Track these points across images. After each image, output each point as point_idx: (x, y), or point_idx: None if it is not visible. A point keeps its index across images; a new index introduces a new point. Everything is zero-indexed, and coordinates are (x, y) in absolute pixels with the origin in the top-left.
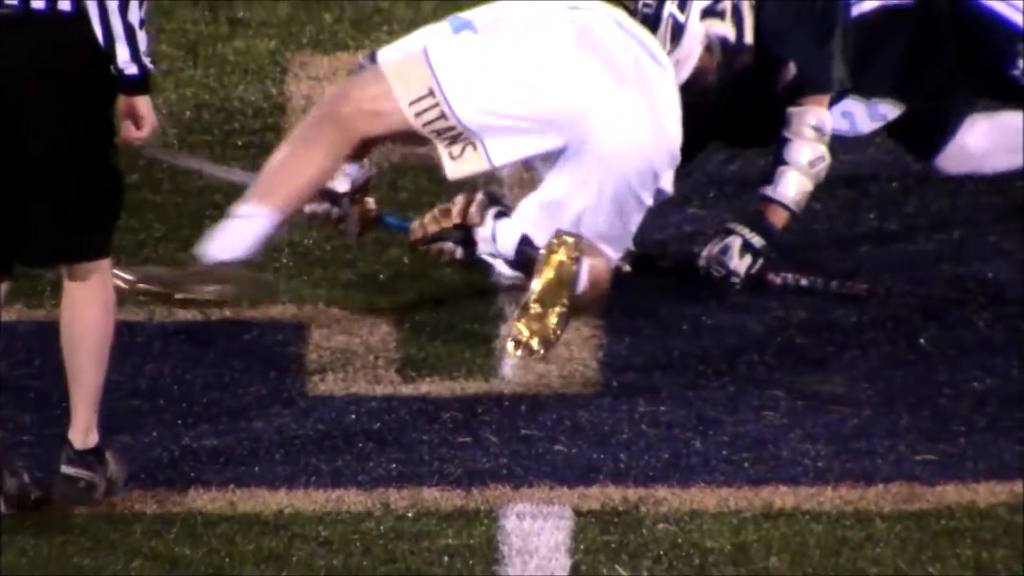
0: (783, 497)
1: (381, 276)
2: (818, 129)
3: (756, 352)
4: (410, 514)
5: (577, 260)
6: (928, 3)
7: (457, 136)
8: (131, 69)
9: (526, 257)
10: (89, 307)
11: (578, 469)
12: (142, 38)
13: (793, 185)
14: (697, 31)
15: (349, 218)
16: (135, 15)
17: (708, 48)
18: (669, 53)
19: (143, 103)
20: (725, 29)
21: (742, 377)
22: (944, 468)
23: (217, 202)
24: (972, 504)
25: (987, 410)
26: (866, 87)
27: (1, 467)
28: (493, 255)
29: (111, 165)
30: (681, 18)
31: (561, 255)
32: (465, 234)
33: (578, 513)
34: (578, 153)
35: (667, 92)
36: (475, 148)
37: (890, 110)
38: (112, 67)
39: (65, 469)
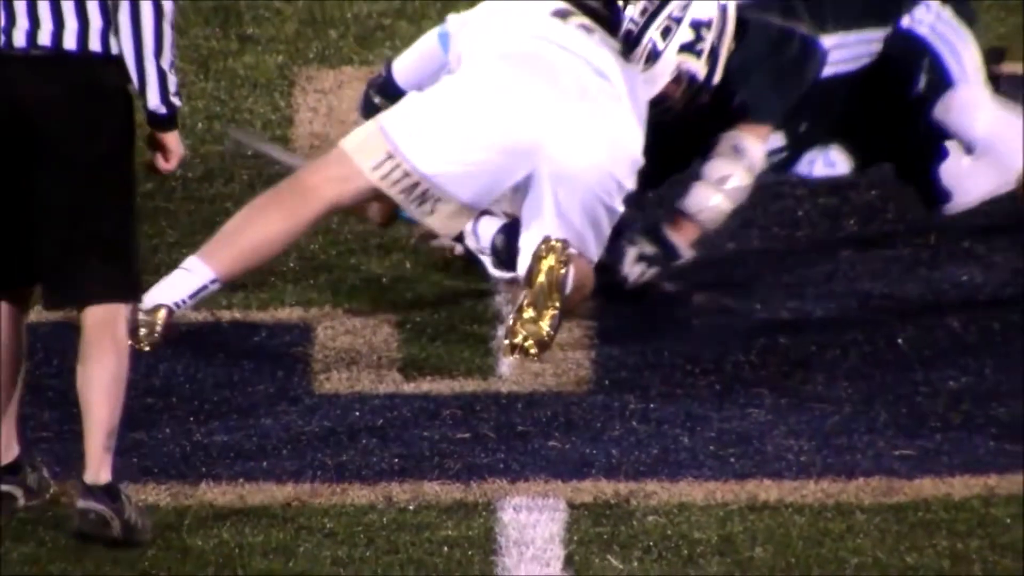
0: (767, 490)
1: (384, 280)
2: (737, 150)
3: (741, 352)
4: (411, 507)
5: (565, 263)
6: (898, 63)
7: (424, 193)
8: (161, 109)
9: (498, 250)
10: (102, 351)
11: (572, 464)
12: (172, 80)
13: (698, 198)
14: (671, 61)
15: (371, 208)
16: (167, 59)
17: (677, 79)
18: (642, 71)
19: (172, 137)
20: (698, 67)
21: (728, 376)
22: (921, 463)
23: (228, 210)
24: (947, 497)
25: (961, 407)
26: (828, 136)
27: (23, 463)
28: (480, 251)
29: (127, 211)
30: (660, 46)
31: (550, 260)
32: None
33: (572, 506)
34: (541, 178)
35: (616, 104)
36: (444, 200)
37: (841, 160)
38: (143, 106)
39: (80, 504)
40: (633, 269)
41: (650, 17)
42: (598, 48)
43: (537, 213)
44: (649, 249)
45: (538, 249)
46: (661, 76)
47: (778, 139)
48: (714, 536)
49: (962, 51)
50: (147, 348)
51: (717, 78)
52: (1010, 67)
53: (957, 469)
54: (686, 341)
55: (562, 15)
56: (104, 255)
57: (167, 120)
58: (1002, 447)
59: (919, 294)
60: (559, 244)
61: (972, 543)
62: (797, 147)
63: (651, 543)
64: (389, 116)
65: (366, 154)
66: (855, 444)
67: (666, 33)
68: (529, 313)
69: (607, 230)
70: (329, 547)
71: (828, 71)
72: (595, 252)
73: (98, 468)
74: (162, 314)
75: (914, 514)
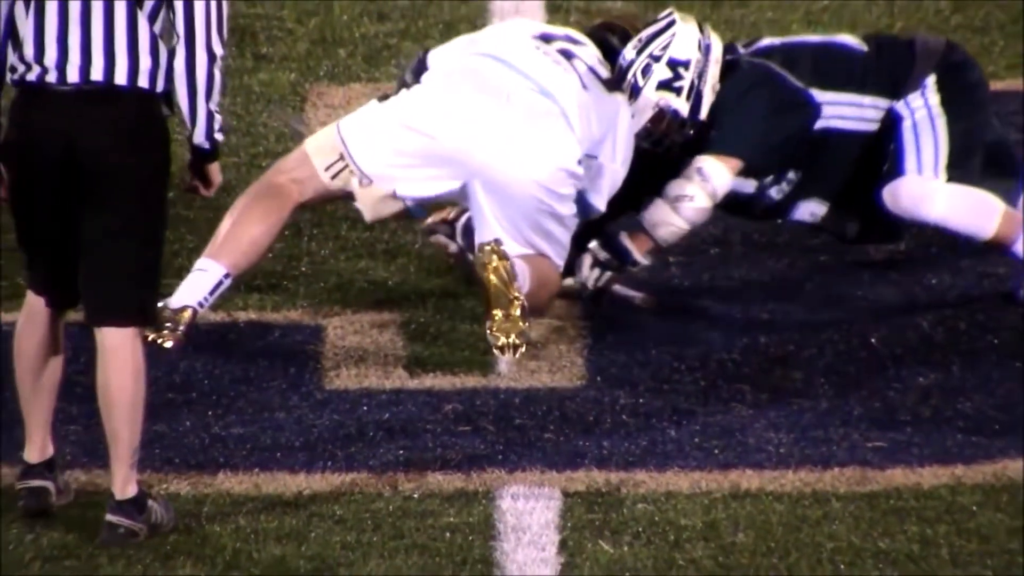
0: (749, 479)
1: (390, 283)
2: (701, 173)
3: (725, 351)
4: (416, 495)
5: (505, 257)
6: (886, 128)
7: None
8: (205, 144)
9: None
10: (119, 373)
11: (566, 455)
12: (218, 120)
13: (655, 215)
14: (650, 98)
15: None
16: (215, 101)
17: (659, 114)
18: (630, 105)
19: (213, 168)
20: (678, 104)
21: (712, 372)
22: (892, 453)
23: None
24: (917, 486)
25: (931, 402)
26: (822, 192)
27: (55, 462)
28: (466, 248)
29: (159, 240)
30: (640, 83)
31: (492, 262)
32: (452, 229)
33: (566, 494)
34: (475, 186)
35: (551, 119)
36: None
37: (820, 209)
38: (188, 139)
39: (108, 517)
40: (589, 274)
41: (636, 55)
42: (554, 69)
43: (482, 221)
44: (603, 255)
45: (477, 259)
46: (642, 111)
47: (752, 183)
48: (699, 522)
49: (925, 145)
50: (171, 346)
51: (703, 115)
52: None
53: (926, 459)
54: (673, 340)
55: (545, 39)
56: (136, 281)
57: (210, 153)
58: (968, 439)
59: (891, 297)
60: (490, 245)
61: (940, 529)
62: (793, 195)
63: (640, 529)
64: (346, 120)
65: (322, 155)
66: (831, 436)
67: (646, 71)
68: (498, 315)
69: (563, 236)
70: (339, 533)
71: (824, 124)
72: (556, 255)
73: (124, 484)
74: (187, 314)
75: (886, 502)
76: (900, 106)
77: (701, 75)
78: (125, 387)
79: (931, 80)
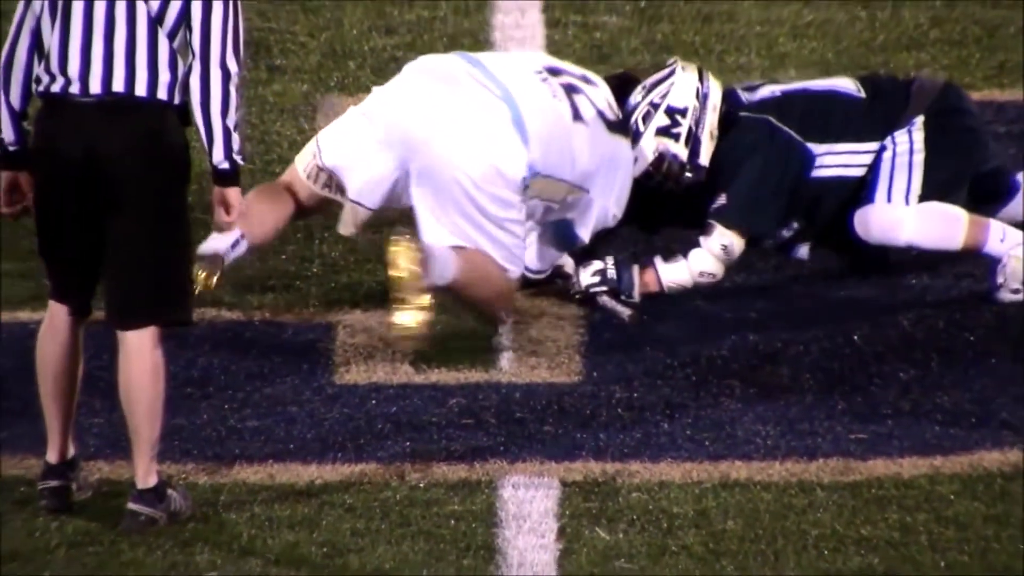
0: (738, 470)
1: None
2: (727, 250)
3: (715, 348)
4: (422, 484)
5: (411, 252)
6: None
7: (339, 187)
8: (224, 164)
9: None
10: (138, 373)
11: (564, 446)
12: (236, 139)
13: (674, 274)
14: (650, 143)
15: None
16: (232, 119)
17: (660, 157)
18: (633, 148)
19: (233, 193)
20: (677, 149)
21: (703, 369)
22: (874, 445)
23: None
24: (898, 476)
25: (910, 396)
26: (815, 234)
27: (76, 461)
28: None
29: (182, 244)
30: (641, 129)
31: (398, 251)
32: None
33: (564, 484)
34: (413, 175)
35: (499, 122)
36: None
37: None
38: (208, 160)
39: (130, 505)
40: (588, 279)
41: (639, 101)
42: (538, 89)
43: (420, 216)
44: (611, 272)
45: (386, 260)
46: (644, 155)
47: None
48: (690, 511)
49: (899, 178)
50: (212, 287)
51: (703, 160)
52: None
53: (906, 451)
54: (665, 339)
55: (553, 72)
56: (155, 285)
57: (231, 175)
58: (947, 431)
59: (873, 297)
60: (397, 242)
61: (919, 517)
62: (793, 239)
63: (634, 517)
64: (327, 127)
65: (302, 159)
66: (816, 429)
67: (646, 117)
68: (403, 305)
69: (510, 240)
70: (349, 520)
71: (820, 174)
72: (501, 258)
73: (145, 475)
74: (217, 260)
75: (868, 491)
76: (886, 140)
77: (698, 122)
78: (145, 386)
79: (919, 120)
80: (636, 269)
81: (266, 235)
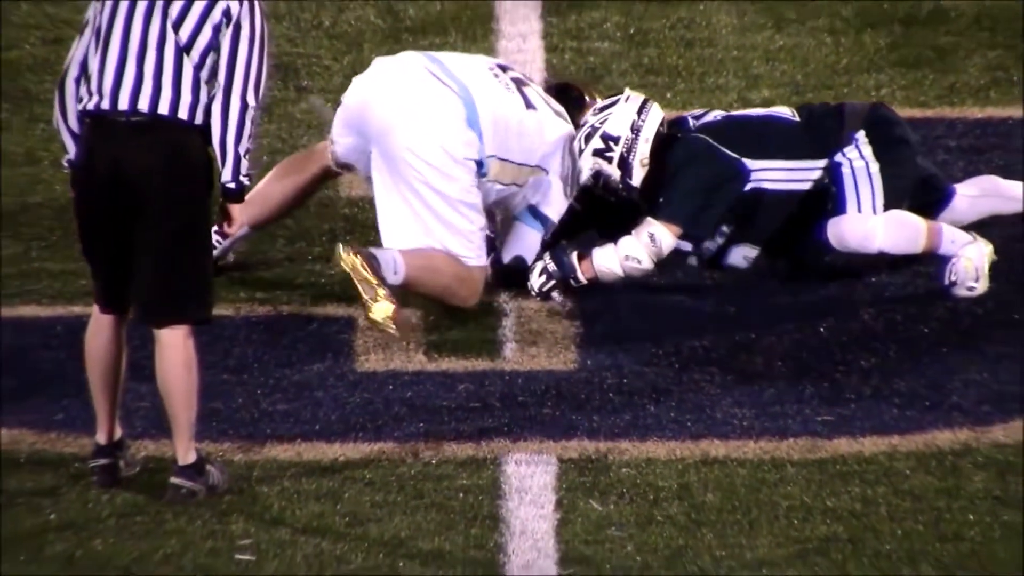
0: (717, 448)
1: None
2: (652, 238)
3: (697, 338)
4: (434, 461)
5: (357, 254)
6: (821, 185)
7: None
8: (231, 184)
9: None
10: (172, 366)
11: (561, 427)
12: (245, 165)
13: (604, 259)
14: (588, 160)
15: None
16: (244, 146)
17: (596, 174)
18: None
19: (236, 208)
20: (610, 170)
21: (686, 357)
22: (839, 426)
23: (272, 234)
24: (860, 453)
25: (871, 382)
26: (755, 240)
27: (123, 442)
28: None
29: (204, 250)
30: (583, 146)
31: (348, 262)
32: None
33: (561, 460)
34: (375, 159)
35: (451, 109)
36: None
37: (751, 252)
38: (219, 176)
39: (172, 479)
40: (537, 280)
41: (588, 120)
42: (491, 83)
43: (381, 206)
44: (552, 267)
45: (336, 264)
46: (583, 169)
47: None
48: (674, 484)
49: (862, 185)
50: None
51: (635, 181)
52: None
53: (867, 431)
54: (652, 330)
55: (503, 68)
56: (182, 286)
57: (235, 194)
58: (903, 413)
59: (837, 293)
60: (341, 250)
61: (879, 490)
62: (726, 244)
63: (624, 490)
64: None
65: (331, 134)
66: (786, 411)
67: (588, 137)
68: (369, 304)
69: (465, 225)
70: (368, 493)
71: (754, 186)
72: (460, 245)
73: (185, 453)
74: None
75: (833, 467)
76: (839, 156)
77: (629, 150)
78: (179, 377)
79: (861, 135)
80: (575, 256)
81: (274, 213)
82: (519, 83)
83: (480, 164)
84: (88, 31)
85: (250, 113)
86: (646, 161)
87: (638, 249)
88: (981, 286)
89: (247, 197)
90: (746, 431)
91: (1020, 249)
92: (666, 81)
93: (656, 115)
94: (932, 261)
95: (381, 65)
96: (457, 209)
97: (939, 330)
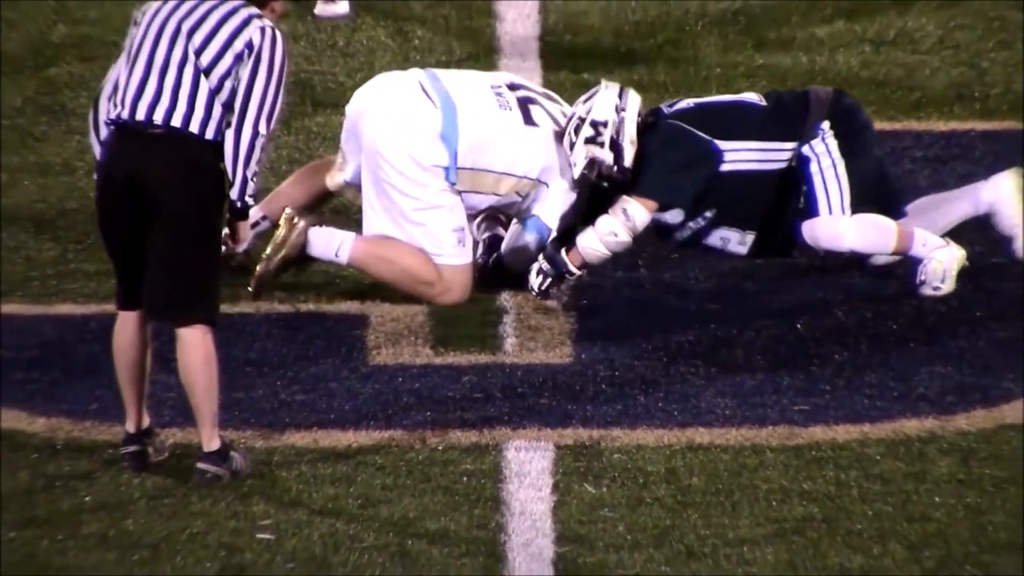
0: (701, 435)
1: None
2: (626, 213)
3: (683, 334)
4: (440, 447)
5: (292, 228)
6: (790, 169)
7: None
8: (237, 204)
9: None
10: (192, 362)
11: (558, 416)
12: (251, 186)
13: (586, 239)
14: (581, 150)
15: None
16: (252, 170)
17: (591, 162)
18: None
19: (243, 226)
20: (603, 155)
21: (673, 351)
22: (814, 415)
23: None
24: (833, 440)
25: (844, 374)
26: (738, 222)
27: (151, 430)
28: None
29: (215, 257)
30: (574, 139)
31: (281, 224)
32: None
33: (558, 447)
34: (363, 164)
35: (426, 121)
36: None
37: (728, 234)
38: (228, 194)
39: (198, 464)
40: (535, 280)
41: (573, 115)
42: (484, 99)
43: (365, 206)
44: (547, 266)
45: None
46: (576, 160)
47: (678, 215)
48: (662, 469)
49: (831, 186)
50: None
51: (627, 163)
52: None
53: (840, 419)
54: (642, 327)
55: (512, 87)
56: (196, 288)
57: (241, 212)
58: (874, 403)
59: (813, 292)
60: (286, 214)
61: (851, 473)
62: (707, 226)
63: (616, 474)
64: None
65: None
66: (766, 401)
67: (577, 129)
68: (265, 259)
69: (438, 227)
70: (379, 477)
71: (729, 168)
72: (429, 245)
73: (209, 440)
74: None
75: (809, 452)
76: (806, 150)
77: (619, 132)
78: (200, 372)
79: (826, 125)
80: (564, 251)
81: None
82: (527, 101)
83: (447, 172)
84: (124, 54)
85: (260, 140)
86: (635, 140)
87: (615, 224)
88: (947, 287)
89: (270, 195)
90: (728, 419)
91: (979, 252)
92: (655, 97)
93: (635, 97)
94: (903, 263)
95: (378, 79)
96: (425, 210)
97: (907, 326)
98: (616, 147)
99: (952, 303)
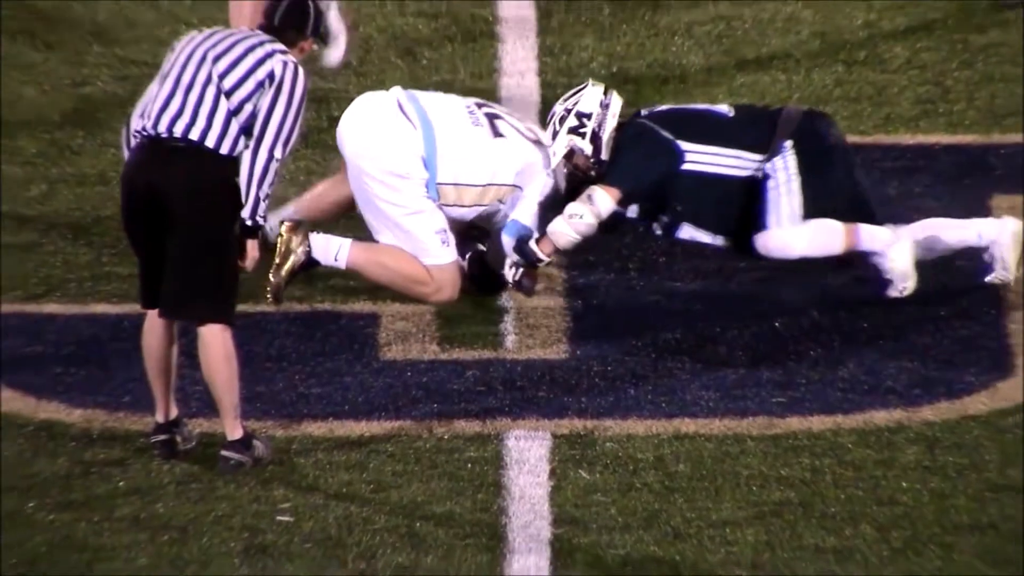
0: (687, 425)
1: None
2: (591, 199)
3: (670, 332)
4: (446, 436)
5: (291, 238)
6: (758, 183)
7: None
8: (248, 222)
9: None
10: (212, 359)
11: (554, 407)
12: (263, 206)
13: (555, 224)
14: (563, 139)
15: None
16: (265, 191)
17: (571, 151)
18: (552, 147)
19: (252, 244)
20: (583, 145)
21: (661, 348)
22: (791, 406)
23: None
24: (809, 429)
25: (819, 368)
26: (707, 224)
27: (180, 420)
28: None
29: (230, 262)
30: (558, 128)
31: (281, 235)
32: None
33: (554, 436)
34: (352, 180)
35: (404, 139)
36: None
37: (695, 233)
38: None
39: (223, 452)
40: (509, 271)
41: (558, 107)
42: (457, 116)
43: (360, 210)
44: (518, 258)
45: (280, 232)
46: (557, 149)
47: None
48: (651, 456)
49: (784, 204)
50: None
51: (604, 155)
52: (877, 138)
53: (816, 410)
54: (632, 325)
55: (480, 105)
56: (213, 290)
57: (251, 231)
58: (847, 396)
59: (789, 293)
60: (283, 225)
61: (825, 461)
62: (675, 219)
63: (608, 461)
64: None
65: None
66: (747, 394)
67: (562, 120)
68: (275, 269)
69: (422, 234)
70: (390, 464)
71: (689, 168)
72: (413, 248)
73: (232, 429)
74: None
75: (786, 441)
76: (768, 167)
77: (601, 125)
78: (220, 368)
79: (789, 144)
80: (534, 241)
81: (324, 212)
82: (492, 117)
83: (427, 184)
84: (158, 77)
85: (275, 164)
86: (613, 135)
87: (580, 208)
88: (911, 284)
89: (305, 196)
90: (712, 411)
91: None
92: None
93: (618, 98)
94: (870, 266)
95: (362, 99)
96: (409, 216)
97: (876, 324)
98: (596, 139)
99: (917, 302)
